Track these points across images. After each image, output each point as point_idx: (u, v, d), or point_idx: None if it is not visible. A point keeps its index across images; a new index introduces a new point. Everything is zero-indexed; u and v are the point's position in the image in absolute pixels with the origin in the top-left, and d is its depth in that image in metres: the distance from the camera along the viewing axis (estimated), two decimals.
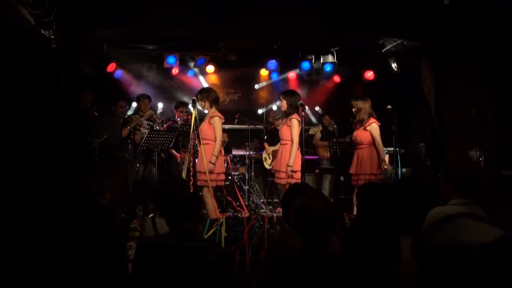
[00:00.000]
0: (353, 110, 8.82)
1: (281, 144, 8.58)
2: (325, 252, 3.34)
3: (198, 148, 8.21)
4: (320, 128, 11.69)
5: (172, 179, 5.98)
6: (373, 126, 8.68)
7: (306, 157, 8.69)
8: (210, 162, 8.13)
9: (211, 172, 8.14)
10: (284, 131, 8.50)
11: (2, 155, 7.31)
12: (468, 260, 2.03)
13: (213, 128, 8.24)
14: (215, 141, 8.21)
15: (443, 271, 2.13)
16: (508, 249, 2.06)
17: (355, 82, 13.00)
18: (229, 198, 10.04)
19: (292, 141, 8.28)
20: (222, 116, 8.36)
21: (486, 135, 9.03)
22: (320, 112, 13.33)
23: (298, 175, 8.32)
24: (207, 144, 8.24)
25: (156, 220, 5.11)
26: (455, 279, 2.07)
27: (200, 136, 8.18)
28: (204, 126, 8.28)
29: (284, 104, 8.45)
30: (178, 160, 10.15)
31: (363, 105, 8.75)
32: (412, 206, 3.71)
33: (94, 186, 4.65)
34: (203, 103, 8.37)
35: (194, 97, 8.30)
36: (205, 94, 8.39)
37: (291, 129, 8.31)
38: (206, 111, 8.46)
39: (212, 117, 8.28)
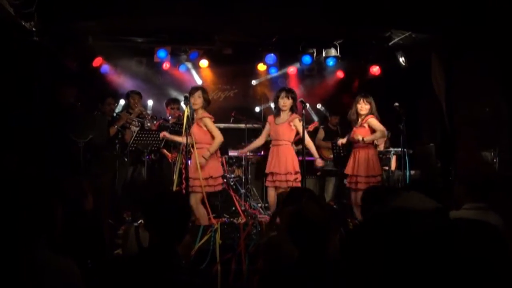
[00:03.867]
0: (360, 107, 8.80)
1: (277, 145, 8.62)
2: (323, 259, 3.33)
3: (191, 150, 8.21)
4: (316, 124, 11.71)
5: (165, 191, 5.96)
6: (371, 120, 8.80)
7: (307, 158, 8.70)
8: (203, 156, 8.28)
9: (210, 177, 8.23)
10: (283, 131, 8.57)
11: None
12: (403, 225, 2.14)
13: (204, 131, 8.40)
14: (208, 144, 8.37)
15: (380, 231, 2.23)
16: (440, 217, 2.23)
17: (359, 78, 12.99)
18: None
19: (303, 140, 8.42)
20: (212, 116, 8.54)
21: (501, 135, 9.03)
22: (323, 110, 13.32)
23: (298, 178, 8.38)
24: (200, 148, 8.31)
25: (141, 233, 5.02)
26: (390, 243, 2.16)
27: (193, 139, 8.21)
28: (194, 129, 8.35)
29: (288, 103, 8.58)
30: (170, 160, 10.14)
31: (372, 103, 8.82)
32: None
33: (78, 189, 4.63)
34: (198, 101, 8.38)
35: (187, 94, 8.32)
36: (202, 92, 8.45)
37: (298, 129, 8.58)
38: (194, 108, 8.46)
39: (201, 118, 8.37)
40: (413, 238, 1.98)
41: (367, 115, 8.79)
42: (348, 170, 8.85)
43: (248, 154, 10.93)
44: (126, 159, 9.77)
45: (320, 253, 3.35)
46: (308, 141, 8.68)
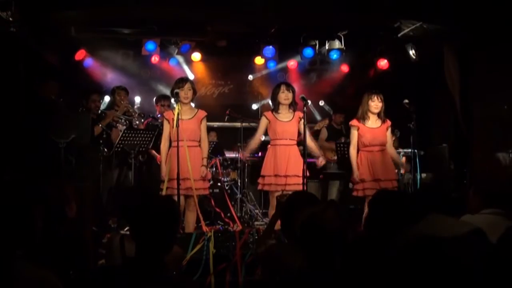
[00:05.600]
0: (375, 104, 8.76)
1: (284, 144, 8.60)
2: (332, 270, 3.33)
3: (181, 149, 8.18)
4: (327, 121, 11.69)
5: (151, 192, 5.94)
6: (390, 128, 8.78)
7: (309, 160, 8.69)
8: (204, 165, 8.37)
9: (201, 179, 8.26)
10: (293, 130, 8.59)
11: None
12: (437, 253, 2.13)
13: (198, 128, 8.45)
14: (199, 143, 8.43)
15: (413, 263, 2.24)
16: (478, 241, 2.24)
17: (366, 72, 13.00)
18: (218, 209, 10.01)
19: (305, 140, 8.41)
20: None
21: None
22: (327, 108, 13.33)
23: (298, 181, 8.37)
24: (194, 147, 8.34)
25: (126, 243, 4.97)
26: (424, 271, 2.16)
27: (184, 137, 8.18)
28: (191, 125, 8.34)
29: (290, 96, 8.62)
30: (159, 162, 10.12)
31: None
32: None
33: (60, 195, 4.61)
34: (189, 93, 8.38)
35: (177, 90, 8.30)
36: (191, 84, 8.47)
37: (300, 128, 8.60)
38: (185, 102, 8.45)
39: (204, 117, 8.50)
40: (452, 270, 1.97)
41: (379, 113, 8.73)
42: (365, 174, 8.72)
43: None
44: (112, 161, 9.75)
45: (330, 263, 3.35)
46: (310, 140, 8.67)
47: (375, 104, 8.67)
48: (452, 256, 2.12)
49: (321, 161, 8.90)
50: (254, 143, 9.13)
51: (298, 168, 8.45)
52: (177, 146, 7.97)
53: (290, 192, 7.36)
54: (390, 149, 8.79)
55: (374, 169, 8.59)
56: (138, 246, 3.44)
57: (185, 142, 8.14)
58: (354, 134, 8.78)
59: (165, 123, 8.45)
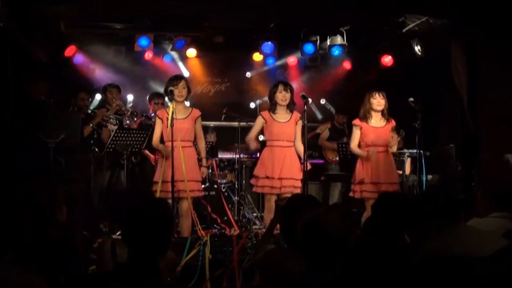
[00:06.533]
0: (377, 102, 8.77)
1: (281, 146, 8.61)
2: (334, 276, 3.34)
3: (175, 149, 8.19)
4: (329, 125, 11.69)
5: (144, 193, 5.93)
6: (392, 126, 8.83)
7: (310, 161, 8.70)
8: (204, 166, 8.59)
9: (195, 180, 8.28)
10: (290, 131, 8.60)
11: None
12: (466, 272, 2.15)
13: (193, 128, 8.51)
14: (193, 143, 8.50)
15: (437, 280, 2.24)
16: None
17: (369, 69, 13.00)
18: (214, 215, 10.01)
19: (305, 140, 8.53)
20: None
21: None
22: (329, 107, 13.33)
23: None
24: (189, 147, 8.36)
25: (117, 248, 4.95)
26: None
27: (178, 137, 8.19)
28: (185, 125, 8.37)
29: (288, 96, 8.63)
30: (153, 162, 10.12)
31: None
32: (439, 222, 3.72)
33: (51, 198, 4.62)
34: (184, 92, 8.40)
35: (171, 87, 8.30)
36: (185, 82, 8.49)
37: (302, 130, 8.66)
38: (179, 100, 8.46)
39: (199, 116, 8.54)
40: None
41: (382, 112, 8.75)
42: (371, 177, 8.74)
43: (242, 156, 10.94)
44: (103, 162, 9.75)
45: (331, 269, 3.35)
46: (300, 144, 8.70)
47: (377, 101, 8.69)
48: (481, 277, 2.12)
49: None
50: (251, 144, 9.13)
51: (294, 171, 8.49)
52: (172, 147, 7.98)
53: (288, 195, 7.38)
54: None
55: (376, 171, 8.61)
56: (131, 250, 3.44)
57: (179, 143, 8.15)
58: (356, 134, 8.82)
59: (158, 122, 8.48)
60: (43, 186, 4.71)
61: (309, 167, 8.61)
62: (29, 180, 6.00)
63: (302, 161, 8.63)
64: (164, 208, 3.61)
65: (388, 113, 8.77)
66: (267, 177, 8.54)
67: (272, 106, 8.78)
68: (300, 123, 8.65)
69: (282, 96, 8.64)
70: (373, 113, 8.72)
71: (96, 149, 9.54)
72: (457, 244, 2.54)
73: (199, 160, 8.72)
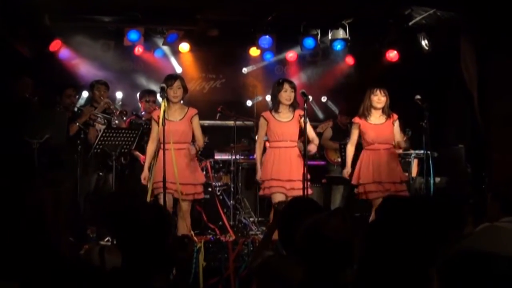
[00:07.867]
0: (377, 99, 8.80)
1: (285, 146, 8.63)
2: (336, 285, 3.34)
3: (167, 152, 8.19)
4: (331, 123, 11.69)
5: (136, 197, 5.91)
6: (397, 122, 8.88)
7: (310, 162, 8.70)
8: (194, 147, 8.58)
9: (191, 183, 8.29)
10: (293, 131, 8.62)
11: None
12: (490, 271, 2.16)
13: (190, 129, 8.53)
14: (189, 144, 8.50)
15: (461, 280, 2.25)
16: None
17: (373, 65, 13.00)
18: (210, 225, 10.00)
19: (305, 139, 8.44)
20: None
21: None
22: (329, 104, 13.33)
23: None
24: (183, 149, 8.37)
25: (106, 255, 4.90)
26: None
27: (171, 139, 8.19)
28: (182, 126, 8.40)
29: (292, 96, 8.65)
30: (143, 163, 10.11)
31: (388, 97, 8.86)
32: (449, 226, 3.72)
33: (34, 200, 4.62)
34: (179, 92, 8.42)
35: (163, 85, 8.31)
36: (181, 81, 8.51)
37: (305, 127, 8.56)
38: (175, 101, 8.48)
39: (195, 115, 8.59)
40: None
41: (383, 109, 8.79)
42: (368, 177, 8.77)
43: (238, 157, 10.95)
44: (90, 164, 9.74)
45: (334, 277, 3.35)
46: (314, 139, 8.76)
47: (378, 98, 8.75)
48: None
49: (312, 147, 8.79)
50: (260, 147, 9.10)
51: (301, 172, 8.49)
52: (163, 148, 7.99)
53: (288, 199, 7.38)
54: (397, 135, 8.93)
55: (378, 170, 8.65)
56: (125, 256, 3.44)
57: (172, 145, 8.15)
58: (354, 133, 8.94)
59: (153, 123, 8.49)
60: (27, 189, 4.71)
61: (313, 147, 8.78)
62: (12, 182, 6.00)
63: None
64: (157, 212, 3.61)
65: (388, 110, 8.80)
66: (274, 179, 8.54)
67: (275, 105, 8.78)
68: (302, 120, 8.62)
69: (287, 96, 8.65)
70: (373, 111, 8.79)
71: (83, 150, 9.53)
72: (489, 243, 2.57)
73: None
